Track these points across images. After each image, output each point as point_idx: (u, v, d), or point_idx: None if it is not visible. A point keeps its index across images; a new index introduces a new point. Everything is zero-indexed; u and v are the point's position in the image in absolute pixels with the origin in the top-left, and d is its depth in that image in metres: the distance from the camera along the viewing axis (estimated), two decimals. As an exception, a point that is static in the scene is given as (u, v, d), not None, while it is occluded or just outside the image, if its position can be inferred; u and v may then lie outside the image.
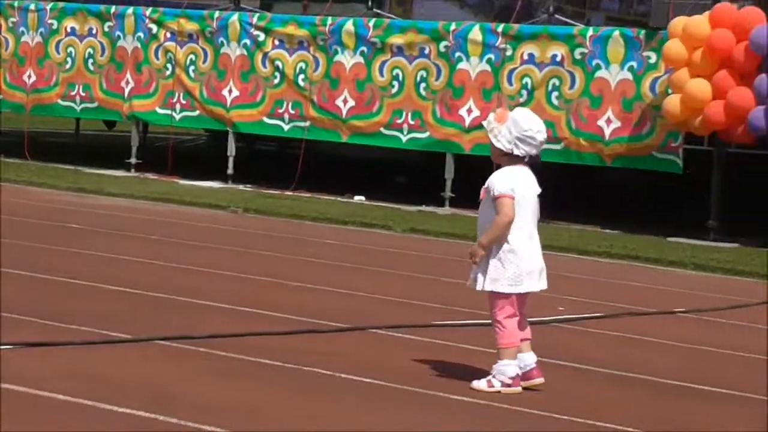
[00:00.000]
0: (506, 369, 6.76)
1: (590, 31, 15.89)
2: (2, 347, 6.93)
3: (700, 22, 14.56)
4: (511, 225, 6.71)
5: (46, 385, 6.19)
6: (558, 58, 15.89)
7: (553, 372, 7.41)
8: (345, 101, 17.17)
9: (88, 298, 8.73)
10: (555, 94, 15.84)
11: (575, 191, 18.36)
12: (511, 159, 6.75)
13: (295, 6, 23.43)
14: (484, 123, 6.93)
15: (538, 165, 6.88)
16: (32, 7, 19.44)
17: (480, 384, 6.80)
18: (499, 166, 6.86)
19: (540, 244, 6.90)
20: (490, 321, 8.56)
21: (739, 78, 14.36)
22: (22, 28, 19.47)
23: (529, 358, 6.87)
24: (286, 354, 7.28)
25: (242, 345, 7.47)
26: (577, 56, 15.77)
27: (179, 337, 7.52)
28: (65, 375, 6.47)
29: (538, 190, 6.88)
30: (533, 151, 6.72)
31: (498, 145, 6.74)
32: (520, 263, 6.73)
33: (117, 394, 6.14)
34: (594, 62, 15.65)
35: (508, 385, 6.76)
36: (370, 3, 18.51)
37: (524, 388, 6.82)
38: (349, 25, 17.27)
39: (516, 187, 6.72)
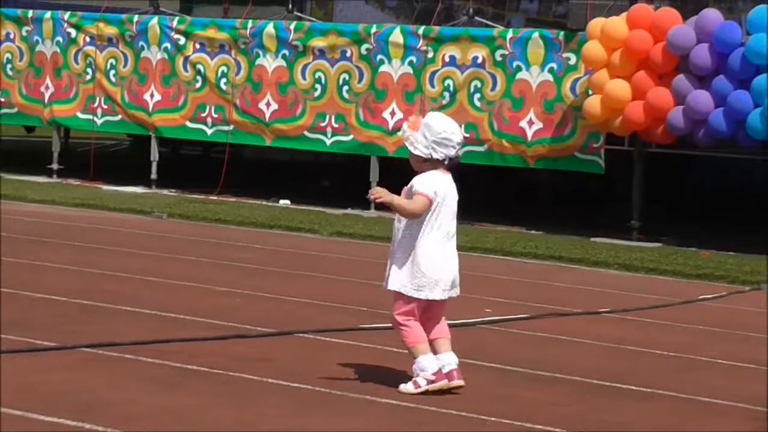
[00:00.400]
0: (425, 365, 6.77)
1: (510, 33, 16.01)
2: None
3: (617, 24, 14.72)
4: (412, 217, 6.73)
5: (-28, 396, 6.13)
6: (479, 60, 15.99)
7: (479, 373, 7.47)
8: (268, 105, 17.15)
9: (11, 306, 8.64)
10: (477, 96, 15.94)
11: (499, 193, 18.50)
12: (432, 164, 6.77)
13: (215, 9, 23.37)
14: (400, 133, 6.96)
15: (458, 167, 6.92)
16: (-52, 11, 19.21)
17: (408, 387, 6.83)
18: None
19: (456, 250, 6.89)
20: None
21: (657, 78, 14.54)
22: (-64, 34, 19.22)
23: (447, 358, 6.87)
24: (213, 360, 7.26)
25: (169, 351, 7.44)
26: (498, 58, 15.88)
27: (105, 344, 7.48)
28: (-9, 385, 6.41)
29: (457, 196, 6.90)
30: (451, 153, 6.76)
31: (416, 152, 6.77)
32: (429, 270, 6.74)
33: (43, 402, 6.09)
34: (515, 64, 15.77)
35: (433, 381, 6.77)
36: (290, 6, 18.50)
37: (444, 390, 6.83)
38: (270, 28, 17.25)
39: (438, 191, 6.76)
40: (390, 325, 8.71)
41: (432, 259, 6.75)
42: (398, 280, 6.78)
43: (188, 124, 17.64)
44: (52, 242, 12.11)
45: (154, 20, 18.00)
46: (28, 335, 7.61)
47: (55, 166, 18.28)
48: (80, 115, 18.33)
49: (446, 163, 6.78)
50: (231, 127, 17.32)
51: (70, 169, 18.23)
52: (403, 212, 6.77)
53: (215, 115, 17.45)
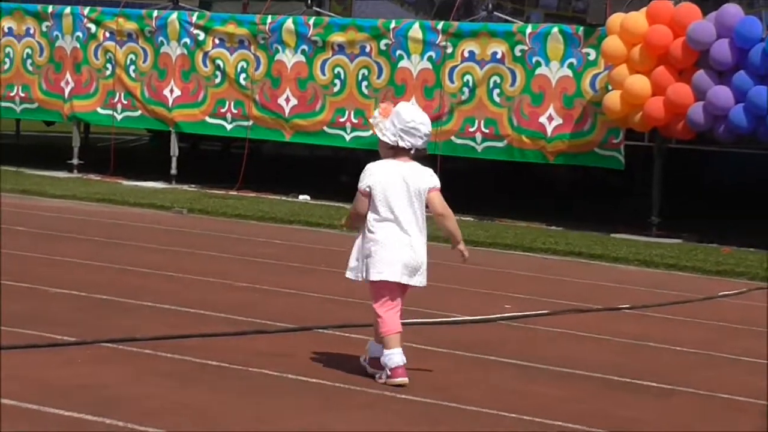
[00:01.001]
0: (387, 360, 6.83)
1: (529, 28, 15.97)
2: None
3: (637, 19, 14.68)
4: (360, 216, 6.98)
5: (-8, 390, 6.15)
6: (498, 56, 15.96)
7: (499, 370, 7.46)
8: (287, 100, 17.15)
9: (30, 301, 8.67)
10: (496, 91, 15.91)
11: (518, 188, 18.47)
12: (397, 152, 6.91)
13: (234, 5, 23.38)
14: (371, 119, 7.13)
15: (424, 158, 7.03)
16: (-32, 7, 19.28)
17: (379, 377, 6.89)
18: None
19: (421, 241, 6.94)
20: (439, 320, 8.61)
21: (677, 74, 14.49)
22: (-42, 29, 19.28)
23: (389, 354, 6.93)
24: (232, 355, 7.27)
25: (188, 346, 7.45)
26: (517, 53, 15.85)
27: (125, 339, 7.49)
28: (10, 379, 6.42)
29: (431, 183, 6.94)
30: (418, 143, 6.88)
31: (384, 138, 6.93)
32: (383, 253, 6.87)
33: (63, 397, 6.11)
34: (534, 59, 15.73)
35: (389, 376, 6.83)
36: (309, 1, 18.50)
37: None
38: (289, 24, 17.25)
39: (376, 179, 6.89)
40: (412, 321, 8.74)
41: (379, 241, 6.89)
42: (354, 266, 7.01)
43: (208, 119, 17.65)
44: (72, 237, 12.14)
45: (174, 15, 18.01)
46: (48, 330, 7.64)
47: (75, 161, 18.32)
48: (100, 111, 18.36)
49: (412, 152, 6.91)
50: (250, 123, 17.34)
51: (91, 164, 18.27)
52: (352, 218, 7.10)
53: (235, 111, 17.46)
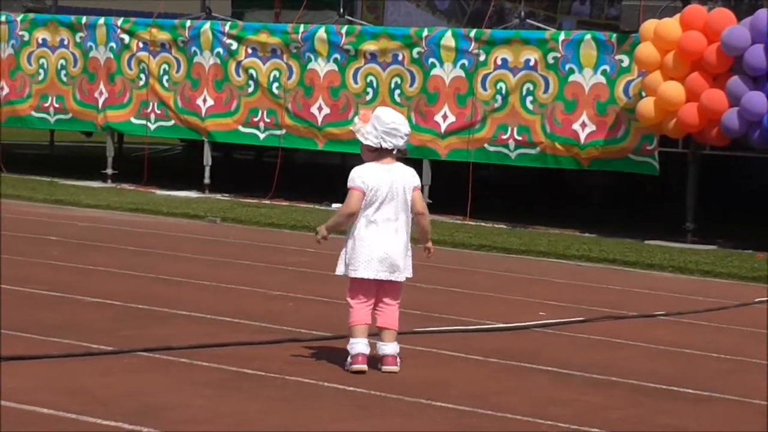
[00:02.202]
0: (350, 347, 7.18)
1: (562, 35, 15.95)
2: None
3: (670, 25, 14.63)
4: (352, 216, 7.25)
5: (30, 399, 6.17)
6: (531, 63, 15.94)
7: (534, 377, 7.44)
8: (320, 109, 17.18)
9: (66, 310, 8.71)
10: (529, 98, 15.89)
11: (550, 195, 18.44)
12: (381, 154, 7.25)
13: (266, 14, 23.46)
14: (351, 126, 7.56)
15: (405, 157, 7.37)
16: (2, 18, 19.37)
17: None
18: None
19: (406, 239, 7.28)
20: (474, 327, 8.61)
21: (711, 80, 14.43)
22: (-7, 40, 19.41)
23: (386, 348, 7.23)
24: (269, 363, 7.28)
25: (223, 355, 7.47)
26: (550, 60, 15.82)
27: (160, 348, 7.51)
28: (46, 388, 6.45)
29: (414, 183, 7.34)
30: (399, 143, 7.25)
31: (367, 142, 7.26)
32: (362, 250, 7.19)
33: (101, 406, 6.13)
34: (567, 66, 15.70)
35: (350, 364, 7.15)
36: (341, 10, 18.53)
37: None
38: (322, 33, 17.28)
39: (367, 180, 7.21)
40: (444, 328, 8.74)
41: (360, 238, 7.20)
42: (338, 262, 7.32)
43: (241, 128, 17.70)
44: (106, 246, 12.19)
45: (207, 25, 18.08)
46: (84, 339, 7.67)
47: (109, 171, 18.40)
48: (134, 121, 18.44)
49: (394, 152, 7.27)
50: (283, 132, 17.37)
51: (125, 174, 18.34)
52: (340, 220, 7.31)
53: (267, 120, 17.50)
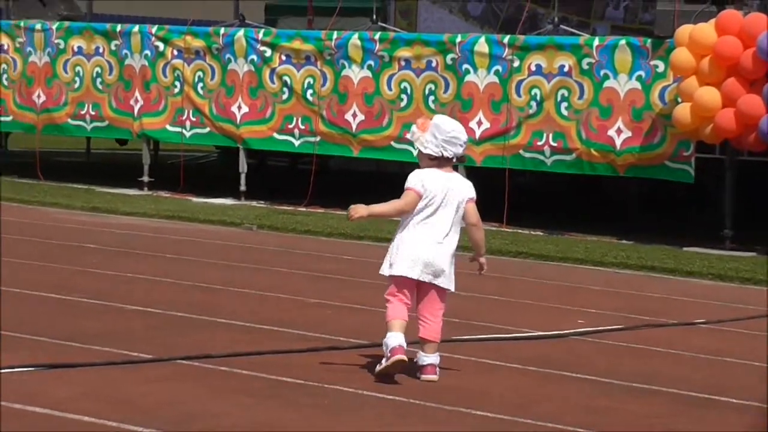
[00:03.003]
0: (387, 341, 7.15)
1: (596, 41, 15.90)
2: (20, 369, 6.95)
3: (706, 30, 14.56)
4: (402, 214, 7.29)
5: (70, 407, 6.20)
6: (566, 69, 15.90)
7: (574, 385, 7.42)
8: (354, 115, 17.19)
9: (106, 318, 8.75)
10: (564, 104, 15.85)
11: (588, 202, 18.37)
12: (440, 162, 7.28)
13: (299, 21, 23.50)
14: (409, 135, 7.55)
15: (462, 164, 7.62)
16: (38, 27, 19.47)
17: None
18: None
19: (453, 248, 7.29)
20: (512, 335, 8.59)
21: (748, 85, 14.35)
22: (29, 48, 19.51)
23: (426, 358, 7.23)
24: (308, 372, 7.28)
25: (262, 363, 7.48)
26: (585, 66, 15.78)
27: (199, 356, 7.53)
28: (88, 396, 6.48)
29: (470, 194, 7.37)
30: (459, 151, 7.29)
31: (426, 151, 7.29)
32: (407, 251, 7.21)
33: (141, 414, 6.15)
34: (602, 72, 15.66)
35: (387, 357, 7.10)
36: (374, 17, 18.55)
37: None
38: (355, 39, 17.29)
39: (426, 184, 7.25)
40: (482, 336, 8.72)
41: (406, 240, 7.24)
42: (384, 263, 7.33)
43: (276, 135, 17.73)
44: (144, 254, 12.22)
45: (240, 33, 18.12)
46: (124, 347, 7.69)
47: (145, 178, 18.45)
48: (169, 128, 18.49)
49: (454, 161, 7.31)
50: (318, 138, 17.39)
51: (161, 181, 18.40)
52: (390, 214, 7.32)
53: (302, 127, 17.53)
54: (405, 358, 7.09)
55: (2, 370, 6.88)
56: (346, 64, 17.30)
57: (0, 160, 21.28)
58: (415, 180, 7.26)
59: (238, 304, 9.67)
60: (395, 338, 7.12)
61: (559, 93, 15.90)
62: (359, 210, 7.29)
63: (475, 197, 7.39)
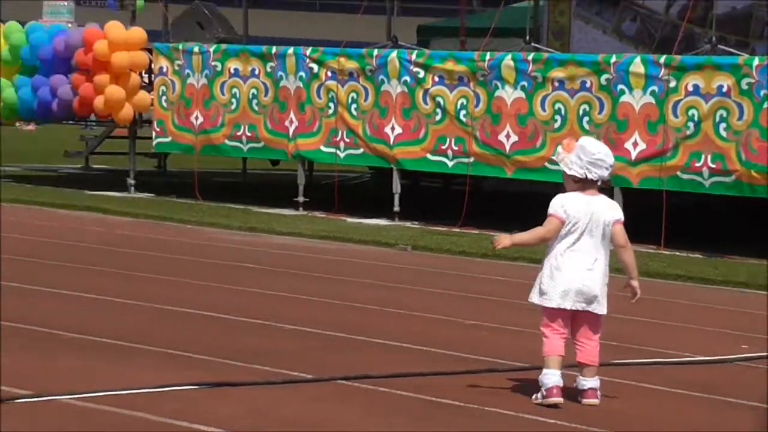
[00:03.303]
0: (544, 380, 7.06)
1: (756, 61, 15.58)
2: (187, 387, 7.07)
3: None
4: (544, 241, 7.23)
5: (235, 425, 6.28)
6: (724, 89, 15.62)
7: (737, 412, 7.25)
8: (508, 136, 17.13)
9: (264, 337, 8.84)
10: (723, 125, 15.56)
11: (746, 223, 18.01)
12: (585, 184, 7.21)
13: (452, 42, 23.53)
14: (554, 156, 7.48)
15: (607, 188, 7.37)
16: (196, 49, 19.83)
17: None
18: None
19: (604, 272, 7.18)
20: (672, 360, 8.43)
21: None
22: (187, 71, 19.88)
23: (586, 382, 7.14)
24: (466, 393, 7.26)
25: (421, 384, 7.47)
26: (744, 86, 15.48)
27: (359, 376, 7.55)
28: (251, 415, 6.55)
29: (616, 216, 7.26)
30: (605, 174, 7.21)
31: (571, 172, 7.22)
32: (558, 281, 7.13)
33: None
34: (762, 93, 15.33)
35: (545, 396, 7.02)
36: (527, 37, 18.46)
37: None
38: (509, 60, 17.24)
39: (569, 209, 7.17)
40: (643, 360, 8.58)
41: (556, 268, 7.15)
42: (533, 290, 7.26)
43: (429, 156, 17.75)
44: (300, 274, 12.34)
45: (394, 54, 18.21)
46: (283, 366, 7.76)
47: (300, 198, 18.63)
48: (323, 149, 18.65)
49: (599, 183, 7.23)
50: (471, 159, 17.37)
51: (315, 202, 18.57)
52: (532, 242, 7.31)
53: (455, 147, 17.52)
54: (561, 400, 7.02)
55: (170, 388, 7.01)
56: (499, 84, 17.26)
57: (159, 180, 21.72)
58: (557, 206, 7.20)
59: (393, 324, 9.69)
60: (552, 377, 7.04)
61: (718, 113, 15.62)
62: (503, 241, 7.32)
63: (622, 219, 7.29)
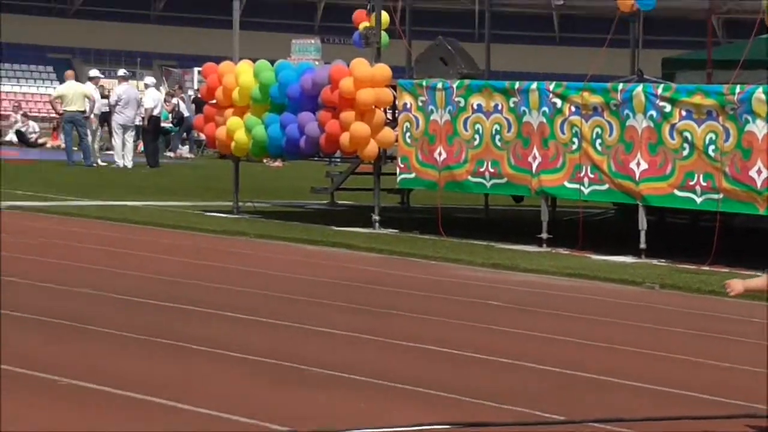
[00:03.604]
0: None
1: None
2: (438, 426, 7.06)
3: None
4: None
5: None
6: None
7: None
8: (759, 172, 16.62)
9: (513, 376, 8.77)
10: None
11: None
12: None
13: (698, 74, 23.05)
14: None
15: None
16: (439, 85, 19.95)
17: None
18: None
19: None
20: None
21: None
22: (431, 107, 20.01)
23: None
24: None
25: (675, 429, 7.27)
26: None
27: (612, 419, 7.40)
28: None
29: None
30: None
31: None
32: None
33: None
34: None
35: None
36: (778, 69, 17.96)
37: None
38: (760, 93, 16.74)
39: None
40: None
41: None
42: None
43: (676, 192, 17.38)
44: (545, 312, 12.22)
45: (639, 88, 17.92)
46: (532, 407, 7.67)
47: (544, 235, 18.49)
48: (567, 185, 18.47)
49: None
50: (720, 195, 16.92)
51: (559, 238, 18.40)
52: (765, 288, 6.93)
53: (704, 183, 17.11)
54: None
55: (420, 427, 7.01)
56: (750, 119, 16.80)
57: (403, 216, 21.91)
58: None
59: (641, 365, 9.47)
60: None
61: None
62: (735, 287, 7.03)
63: None
